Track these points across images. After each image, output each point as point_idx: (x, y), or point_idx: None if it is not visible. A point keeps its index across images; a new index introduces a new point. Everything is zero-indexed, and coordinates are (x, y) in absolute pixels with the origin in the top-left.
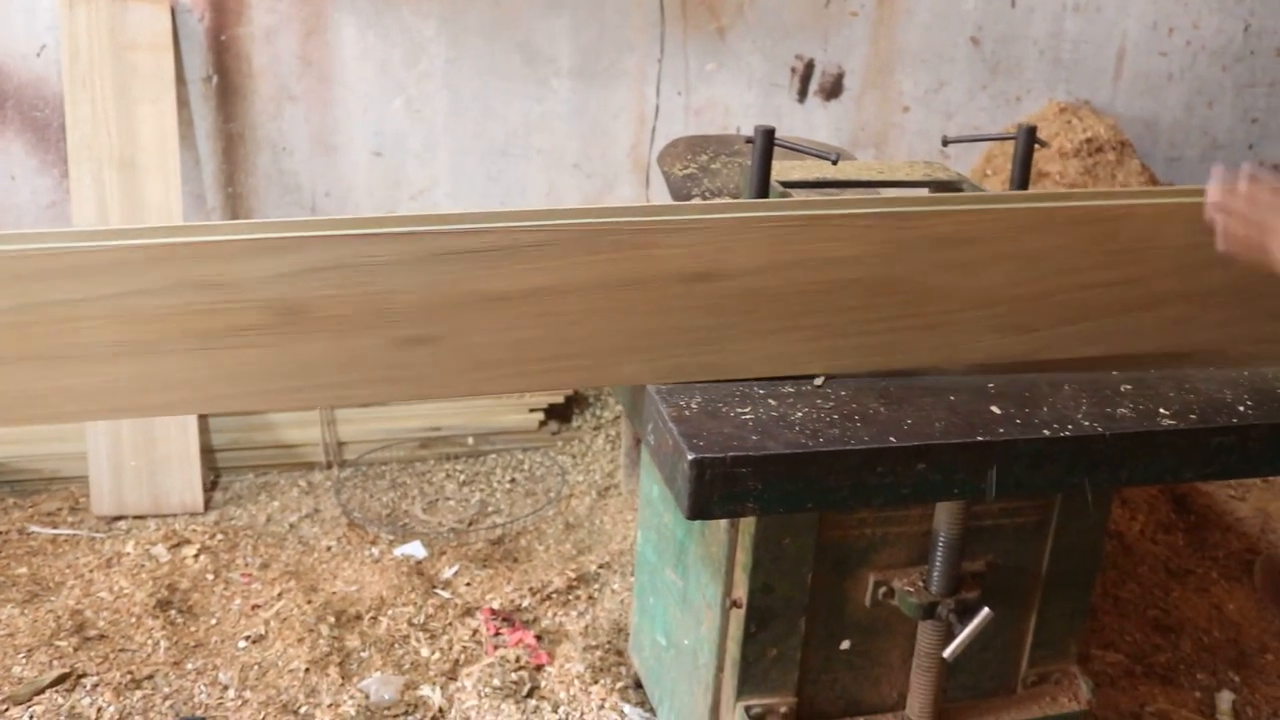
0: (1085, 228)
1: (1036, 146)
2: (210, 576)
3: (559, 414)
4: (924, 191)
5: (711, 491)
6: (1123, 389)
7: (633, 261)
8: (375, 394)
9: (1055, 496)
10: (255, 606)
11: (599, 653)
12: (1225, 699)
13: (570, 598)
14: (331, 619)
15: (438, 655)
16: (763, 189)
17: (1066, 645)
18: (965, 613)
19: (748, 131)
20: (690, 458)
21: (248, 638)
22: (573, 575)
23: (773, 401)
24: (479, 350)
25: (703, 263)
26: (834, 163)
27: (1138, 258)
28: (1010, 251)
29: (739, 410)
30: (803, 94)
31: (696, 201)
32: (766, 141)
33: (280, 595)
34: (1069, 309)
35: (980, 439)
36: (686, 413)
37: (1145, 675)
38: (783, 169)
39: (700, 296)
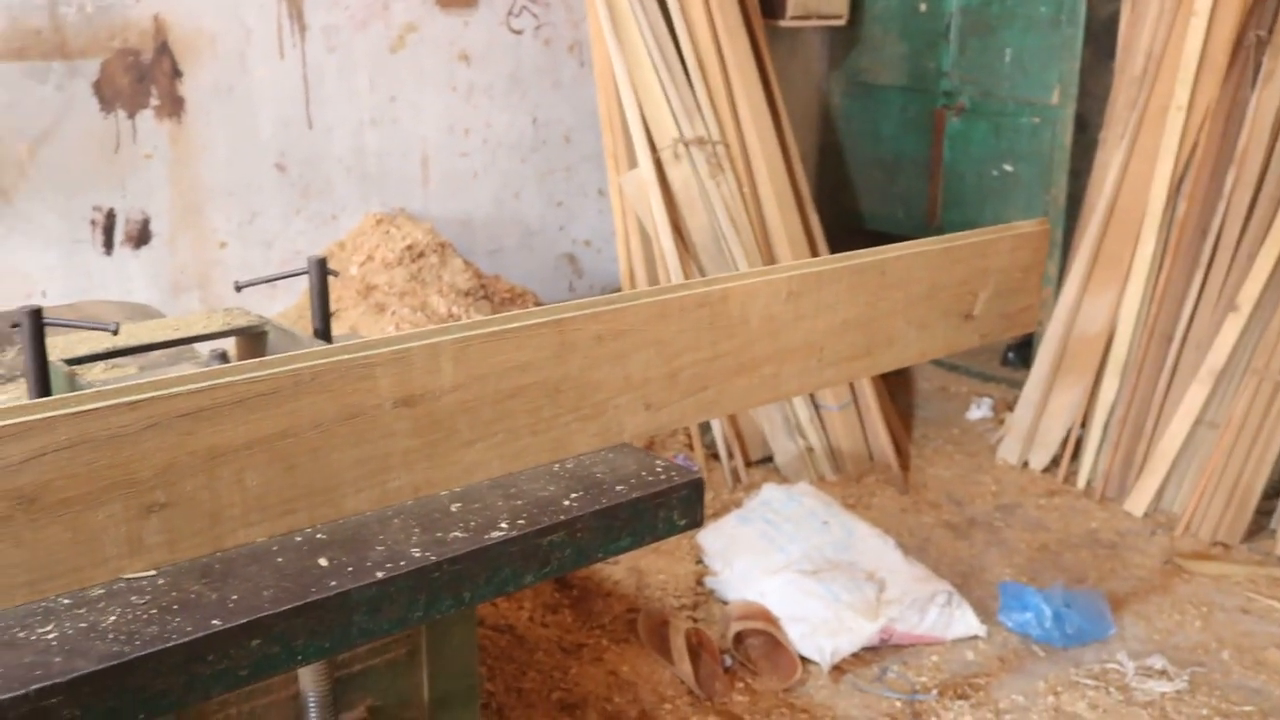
0: (696, 311)
1: (332, 275)
2: None
3: None
4: (229, 341)
5: None
6: (453, 509)
7: (350, 395)
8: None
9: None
10: None
11: None
12: None
13: None
14: None
15: None
16: (42, 373)
17: None
18: None
19: (57, 295)
20: None
21: None
22: None
23: (81, 610)
24: (214, 505)
25: (410, 388)
26: (114, 332)
27: (735, 330)
28: (649, 339)
29: (41, 630)
30: (109, 246)
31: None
32: (34, 323)
33: None
34: (692, 382)
35: (313, 598)
36: None
37: None
38: (69, 344)
39: (410, 419)
